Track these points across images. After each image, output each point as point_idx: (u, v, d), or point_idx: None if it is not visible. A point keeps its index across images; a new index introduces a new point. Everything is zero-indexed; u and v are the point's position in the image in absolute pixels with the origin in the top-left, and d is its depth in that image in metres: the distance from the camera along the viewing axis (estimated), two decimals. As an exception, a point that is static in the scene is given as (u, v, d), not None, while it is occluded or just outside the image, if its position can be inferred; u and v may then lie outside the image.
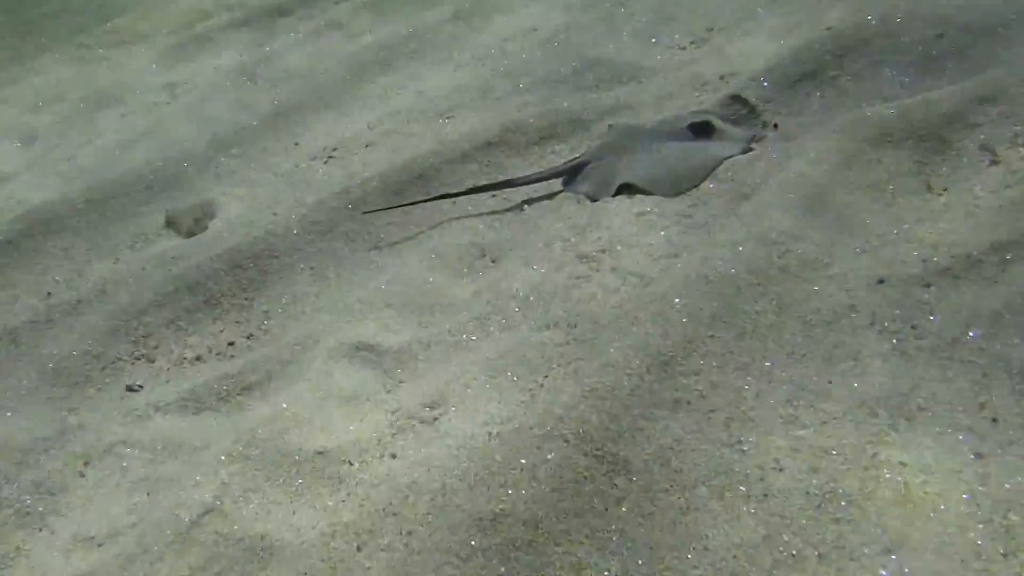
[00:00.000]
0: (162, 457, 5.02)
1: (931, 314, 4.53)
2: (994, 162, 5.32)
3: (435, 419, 4.81)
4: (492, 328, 5.30)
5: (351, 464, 4.66)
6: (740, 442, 4.20)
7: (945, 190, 5.29)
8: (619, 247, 5.56)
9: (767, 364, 4.51)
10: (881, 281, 4.76)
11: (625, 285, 5.29)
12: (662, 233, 5.57)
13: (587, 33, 8.15)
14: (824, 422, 4.18)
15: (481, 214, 6.28)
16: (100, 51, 10.95)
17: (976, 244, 4.79)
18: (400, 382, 5.12)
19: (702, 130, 6.15)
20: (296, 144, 7.80)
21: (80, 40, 11.30)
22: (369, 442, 4.75)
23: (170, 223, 7.25)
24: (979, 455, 3.92)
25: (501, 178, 6.44)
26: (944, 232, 4.99)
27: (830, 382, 4.36)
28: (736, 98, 6.48)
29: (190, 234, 7.10)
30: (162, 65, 10.07)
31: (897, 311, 4.60)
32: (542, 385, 4.78)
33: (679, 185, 5.90)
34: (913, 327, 4.50)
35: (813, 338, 4.60)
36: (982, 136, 5.50)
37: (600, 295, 5.26)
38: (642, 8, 8.26)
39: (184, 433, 5.15)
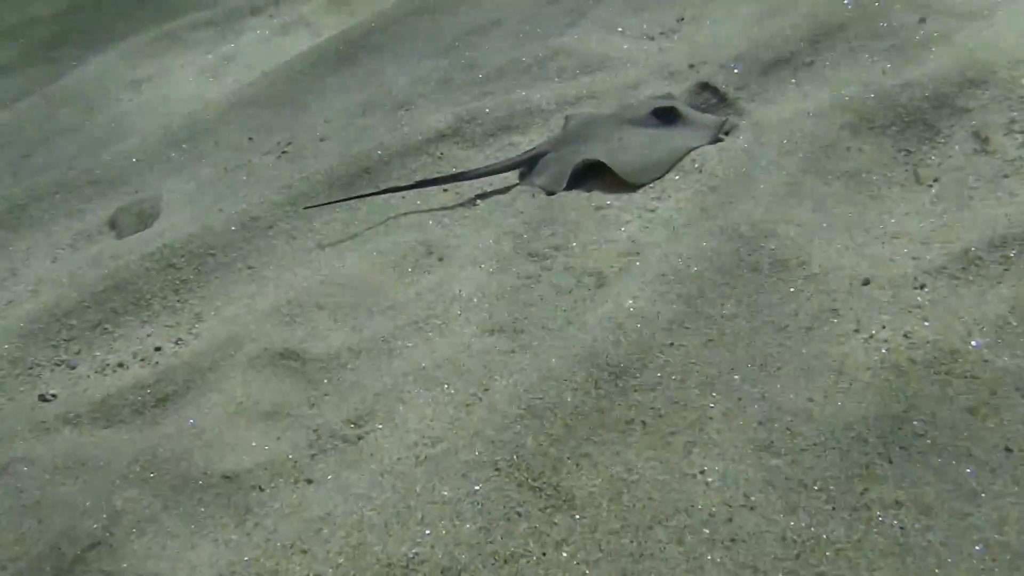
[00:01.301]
0: (61, 478, 4.06)
1: (925, 320, 3.55)
2: (987, 150, 4.33)
3: (359, 438, 3.88)
4: (431, 333, 4.33)
5: (261, 490, 3.73)
6: (704, 472, 3.24)
7: (936, 180, 4.32)
8: (574, 244, 4.59)
9: (736, 378, 3.54)
10: (867, 282, 3.79)
11: (578, 286, 4.33)
12: (622, 229, 4.60)
13: (552, 23, 7.16)
14: (803, 449, 3.20)
15: (431, 209, 5.31)
16: (72, 50, 9.98)
17: (974, 240, 3.82)
18: (325, 395, 4.16)
19: (667, 116, 5.14)
20: (250, 139, 6.82)
21: (52, 42, 10.35)
22: (284, 465, 3.81)
23: (113, 221, 6.27)
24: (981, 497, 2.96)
25: (454, 170, 5.45)
26: (937, 227, 4.02)
27: (810, 400, 3.38)
28: (706, 86, 5.50)
29: (134, 231, 6.10)
30: (129, 63, 9.07)
31: (886, 316, 3.63)
32: (480, 399, 3.84)
33: (642, 174, 4.90)
34: (906, 335, 3.52)
35: (789, 348, 3.63)
36: (974, 122, 4.54)
37: (550, 297, 4.30)
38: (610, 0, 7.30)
39: (88, 450, 4.21)
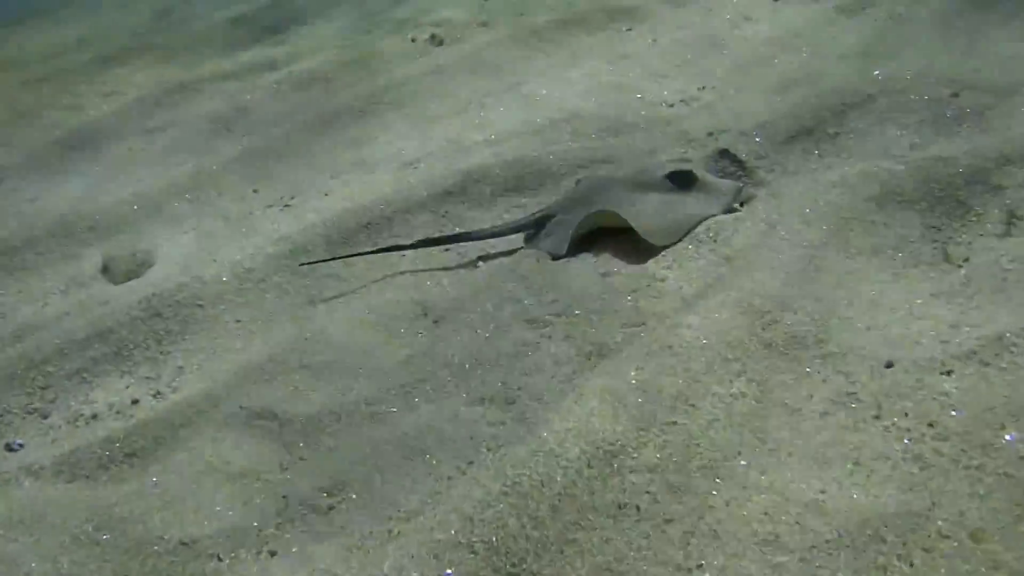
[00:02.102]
0: (14, 533, 3.73)
1: (953, 409, 3.19)
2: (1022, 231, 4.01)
3: (330, 508, 3.55)
4: (418, 399, 4.01)
5: (220, 560, 3.41)
6: (702, 567, 2.87)
7: (966, 260, 3.97)
8: (577, 312, 4.26)
9: (742, 463, 3.18)
10: (889, 365, 3.44)
11: (578, 356, 3.99)
12: (628, 298, 4.28)
13: (570, 86, 6.91)
14: (813, 546, 2.83)
15: (431, 269, 5.00)
16: (94, 99, 9.79)
17: (1008, 324, 3.46)
18: (300, 459, 3.83)
19: (683, 180, 4.83)
20: (255, 191, 6.55)
21: (76, 89, 10.18)
22: (247, 533, 3.49)
23: (106, 267, 5.99)
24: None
25: (457, 230, 5.15)
26: (967, 309, 3.67)
27: (823, 491, 3.01)
28: (724, 154, 5.20)
29: (126, 279, 5.82)
30: (145, 111, 8.86)
31: (909, 403, 3.27)
32: (464, 473, 3.49)
33: (658, 236, 4.61)
34: (931, 424, 3.16)
35: (802, 432, 3.27)
36: (1008, 201, 4.20)
37: (547, 367, 3.96)
38: (630, 64, 7.03)
39: (45, 505, 3.88)
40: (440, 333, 4.44)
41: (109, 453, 4.12)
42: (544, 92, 6.91)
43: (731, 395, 3.42)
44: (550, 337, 4.15)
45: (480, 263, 4.97)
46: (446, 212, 5.43)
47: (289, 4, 11.51)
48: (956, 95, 5.09)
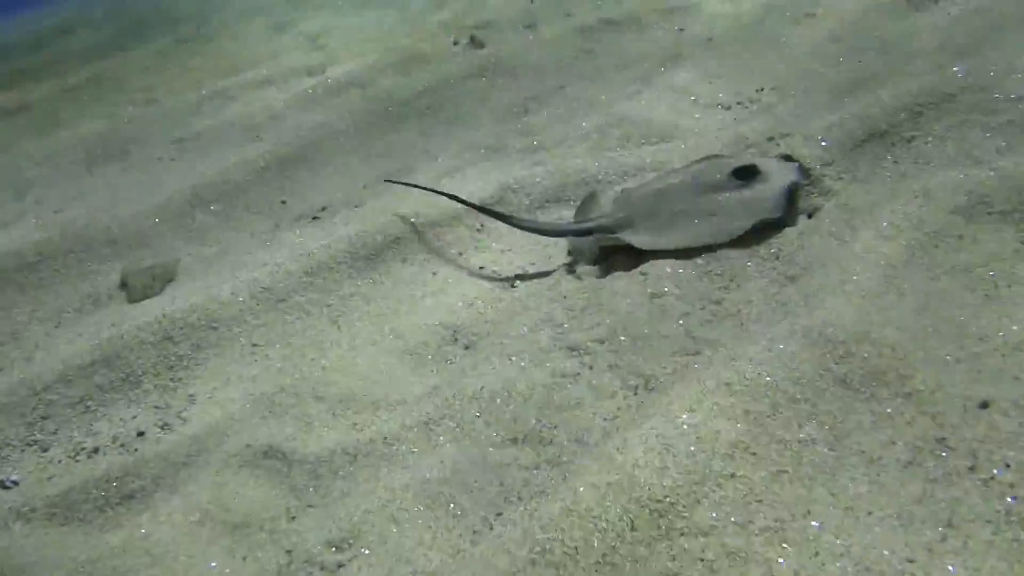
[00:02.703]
0: (-6, 587, 3.30)
1: (1066, 461, 2.67)
2: None
3: (339, 566, 3.12)
4: (441, 438, 3.55)
5: (210, 627, 2.92)
6: (766, 656, 2.36)
7: (1070, 279, 3.43)
8: (622, 338, 3.78)
9: (813, 524, 2.68)
10: (985, 405, 2.92)
11: (623, 390, 3.50)
12: (680, 323, 3.78)
13: (618, 89, 6.42)
14: (903, 634, 2.32)
15: (463, 289, 4.53)
16: (129, 107, 9.48)
17: None
18: (308, 506, 3.39)
19: (749, 175, 4.39)
20: (283, 202, 6.14)
21: (112, 98, 9.88)
22: (243, 595, 3.00)
23: (124, 284, 5.60)
24: None
25: (523, 220, 4.70)
26: (1076, 338, 3.13)
27: (910, 560, 2.50)
28: (788, 159, 4.65)
29: (144, 296, 5.42)
30: (177, 120, 8.51)
31: (1011, 452, 2.74)
32: (491, 527, 3.02)
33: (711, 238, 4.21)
34: (1040, 480, 2.63)
35: (884, 486, 2.76)
36: (1117, 213, 3.65)
37: (588, 402, 3.48)
38: (682, 64, 6.52)
39: (31, 554, 3.49)
40: (470, 361, 3.98)
41: (106, 494, 3.73)
42: (590, 95, 6.42)
43: (799, 441, 2.91)
44: (591, 367, 3.67)
45: (517, 282, 4.51)
46: (481, 226, 4.95)
47: (331, 6, 11.14)
48: (1047, 93, 4.54)
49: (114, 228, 6.11)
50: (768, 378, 3.10)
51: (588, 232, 4.51)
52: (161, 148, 7.94)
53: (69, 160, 8.10)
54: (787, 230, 4.17)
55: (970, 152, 4.30)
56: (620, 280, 4.15)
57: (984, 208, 3.72)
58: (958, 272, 3.51)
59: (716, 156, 4.78)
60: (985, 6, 5.55)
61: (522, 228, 4.60)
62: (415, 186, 4.94)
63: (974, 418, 2.89)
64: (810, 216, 4.30)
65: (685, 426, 2.97)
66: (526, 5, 8.97)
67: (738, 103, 5.77)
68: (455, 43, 8.31)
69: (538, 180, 5.09)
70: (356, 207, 5.74)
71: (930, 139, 4.50)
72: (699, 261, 4.12)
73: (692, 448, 2.89)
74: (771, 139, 5.01)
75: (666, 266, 4.13)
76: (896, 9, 6.14)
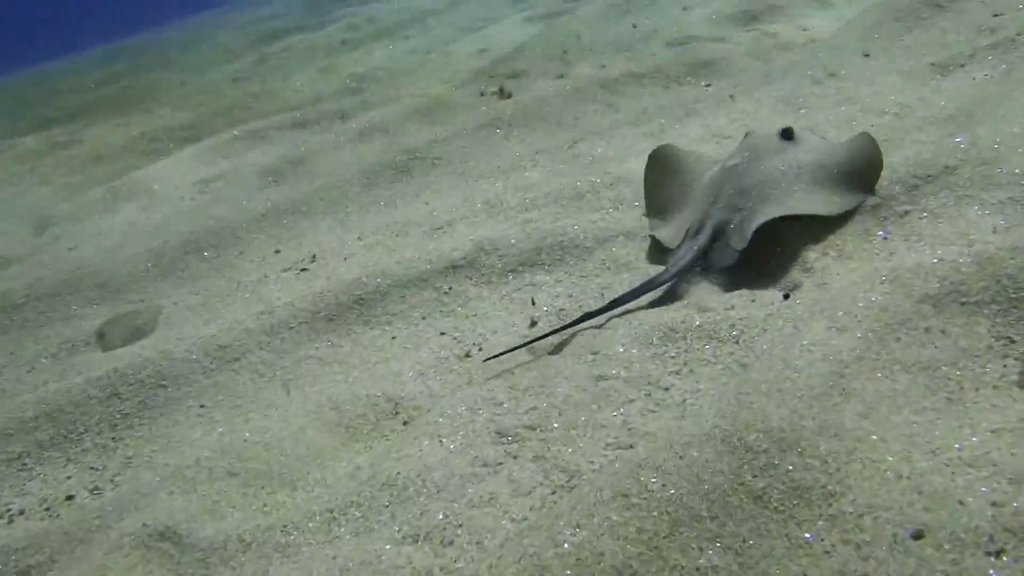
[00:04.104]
0: None
1: (998, 613, 2.23)
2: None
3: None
4: (343, 529, 3.21)
5: None
6: None
7: (1045, 386, 2.98)
8: (555, 424, 3.40)
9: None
10: (918, 535, 2.49)
11: (543, 485, 3.13)
12: (620, 411, 3.39)
13: (630, 145, 6.06)
14: None
15: (419, 356, 4.21)
16: (168, 143, 9.40)
17: (1091, 488, 2.47)
18: (189, 599, 3.04)
19: (790, 135, 4.53)
20: (277, 251, 5.89)
21: (155, 135, 9.83)
22: None
23: (100, 332, 5.38)
24: None
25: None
26: (1037, 458, 2.68)
27: None
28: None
29: (119, 345, 5.21)
30: (208, 160, 8.37)
31: (939, 596, 2.31)
32: (363, 641, 2.65)
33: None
34: (960, 637, 2.20)
35: (782, 632, 2.34)
36: (1109, 310, 3.18)
37: (503, 498, 3.11)
38: (694, 122, 6.13)
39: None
40: (401, 439, 3.63)
41: (3, 569, 3.45)
42: (599, 152, 6.07)
43: (698, 569, 2.51)
44: (515, 457, 3.31)
45: (475, 349, 4.16)
46: (449, 289, 4.63)
47: (382, 48, 11.01)
48: (1054, 167, 4.07)
49: (106, 271, 5.92)
50: (673, 490, 2.69)
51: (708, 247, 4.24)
52: (184, 188, 7.79)
53: (97, 198, 7.99)
54: (755, 312, 3.76)
55: (964, 230, 3.85)
56: (567, 359, 3.78)
57: (958, 297, 3.28)
58: (919, 371, 3.07)
59: (749, 134, 4.73)
60: (1011, 72, 5.08)
61: (668, 281, 4.13)
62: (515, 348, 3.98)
63: (903, 552, 2.46)
64: (786, 297, 3.89)
65: (567, 544, 2.59)
66: (560, 55, 8.69)
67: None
68: (481, 93, 8.03)
69: (512, 242, 4.75)
70: (345, 259, 5.46)
71: (924, 214, 4.06)
72: (654, 340, 3.73)
73: (568, 573, 2.50)
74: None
75: (619, 346, 3.75)
76: (920, 72, 5.69)
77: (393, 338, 4.39)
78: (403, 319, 4.48)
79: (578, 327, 3.97)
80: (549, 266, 4.59)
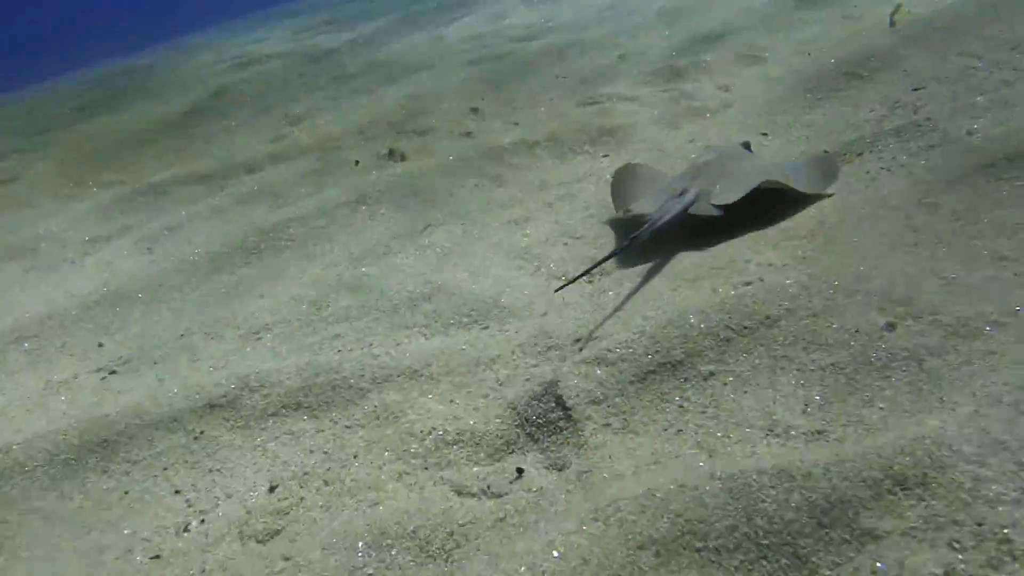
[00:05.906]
0: None
1: None
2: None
3: None
4: None
5: None
6: None
7: None
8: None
9: None
10: None
11: None
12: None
13: (488, 236, 5.30)
14: None
15: (143, 523, 3.48)
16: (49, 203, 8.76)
17: None
18: None
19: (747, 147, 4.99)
20: (100, 345, 5.18)
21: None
22: None
23: None
24: None
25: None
26: None
27: None
28: (550, 390, 3.47)
29: None
30: (104, 218, 7.69)
31: None
32: None
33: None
34: None
35: None
36: (880, 564, 2.38)
37: None
38: (558, 211, 5.34)
39: None
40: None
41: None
42: (451, 243, 5.30)
43: None
44: None
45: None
46: (201, 432, 3.89)
47: (307, 100, 10.28)
48: (892, 326, 3.25)
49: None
50: None
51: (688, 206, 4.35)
52: (71, 250, 7.11)
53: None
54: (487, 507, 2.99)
55: (769, 409, 3.05)
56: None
57: (691, 540, 2.48)
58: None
59: (711, 147, 4.98)
60: (864, 205, 4.26)
61: (653, 234, 4.16)
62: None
63: None
64: (560, 470, 3.13)
65: None
66: (480, 104, 7.92)
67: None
68: (379, 155, 7.27)
69: (281, 379, 3.99)
70: (155, 363, 4.75)
71: (730, 379, 3.27)
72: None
73: None
74: (577, 341, 3.83)
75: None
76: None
77: (126, 492, 3.68)
78: (145, 470, 3.75)
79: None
80: (315, 410, 3.83)
